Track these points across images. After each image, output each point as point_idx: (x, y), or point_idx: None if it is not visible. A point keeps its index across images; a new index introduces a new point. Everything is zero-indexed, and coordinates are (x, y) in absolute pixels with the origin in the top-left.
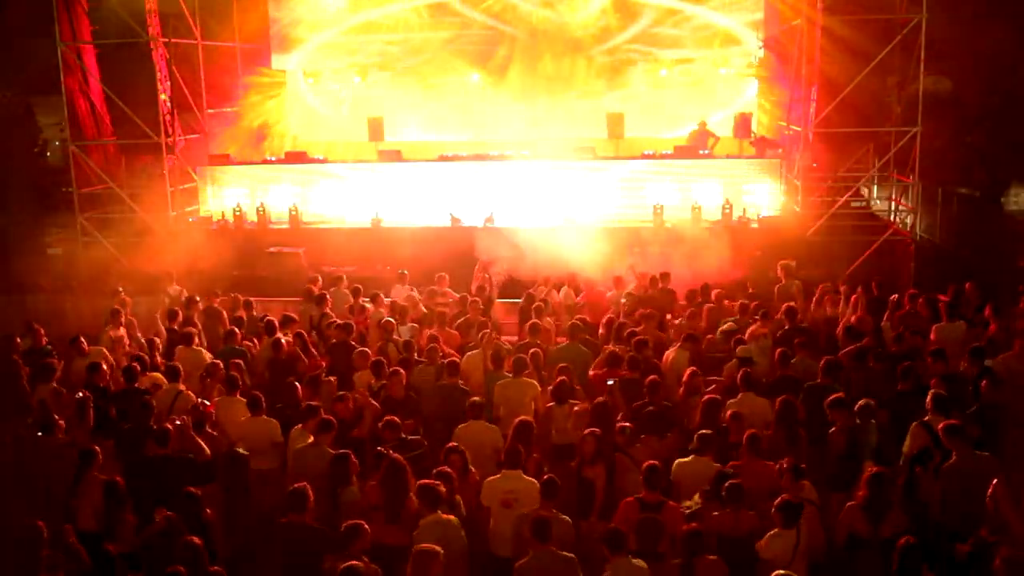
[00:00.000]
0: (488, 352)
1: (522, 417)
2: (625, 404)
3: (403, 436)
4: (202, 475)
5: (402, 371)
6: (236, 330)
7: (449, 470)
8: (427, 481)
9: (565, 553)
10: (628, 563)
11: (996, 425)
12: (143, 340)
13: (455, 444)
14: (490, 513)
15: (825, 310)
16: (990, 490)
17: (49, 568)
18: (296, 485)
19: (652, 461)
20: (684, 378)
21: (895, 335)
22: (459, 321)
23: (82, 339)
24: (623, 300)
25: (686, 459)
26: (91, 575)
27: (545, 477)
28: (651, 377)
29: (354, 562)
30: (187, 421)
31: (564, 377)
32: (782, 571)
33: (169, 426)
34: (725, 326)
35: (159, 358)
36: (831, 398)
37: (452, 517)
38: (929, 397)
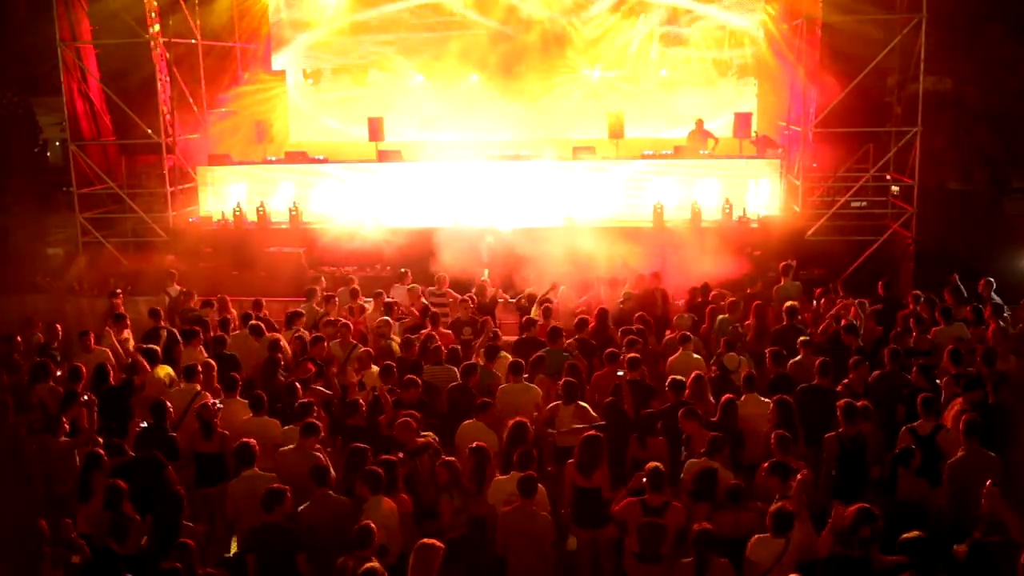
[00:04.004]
0: (480, 345)
1: (517, 418)
2: (633, 403)
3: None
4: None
5: (419, 381)
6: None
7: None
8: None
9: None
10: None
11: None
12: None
13: (450, 459)
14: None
15: (839, 312)
16: (984, 489)
17: (53, 565)
18: (274, 486)
19: (655, 463)
20: (689, 380)
21: (894, 333)
22: (453, 320)
23: (92, 335)
24: (620, 301)
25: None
26: (94, 572)
27: (523, 474)
28: (672, 376)
29: (372, 564)
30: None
31: (572, 378)
32: None
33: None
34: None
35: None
36: (845, 402)
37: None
38: (919, 400)
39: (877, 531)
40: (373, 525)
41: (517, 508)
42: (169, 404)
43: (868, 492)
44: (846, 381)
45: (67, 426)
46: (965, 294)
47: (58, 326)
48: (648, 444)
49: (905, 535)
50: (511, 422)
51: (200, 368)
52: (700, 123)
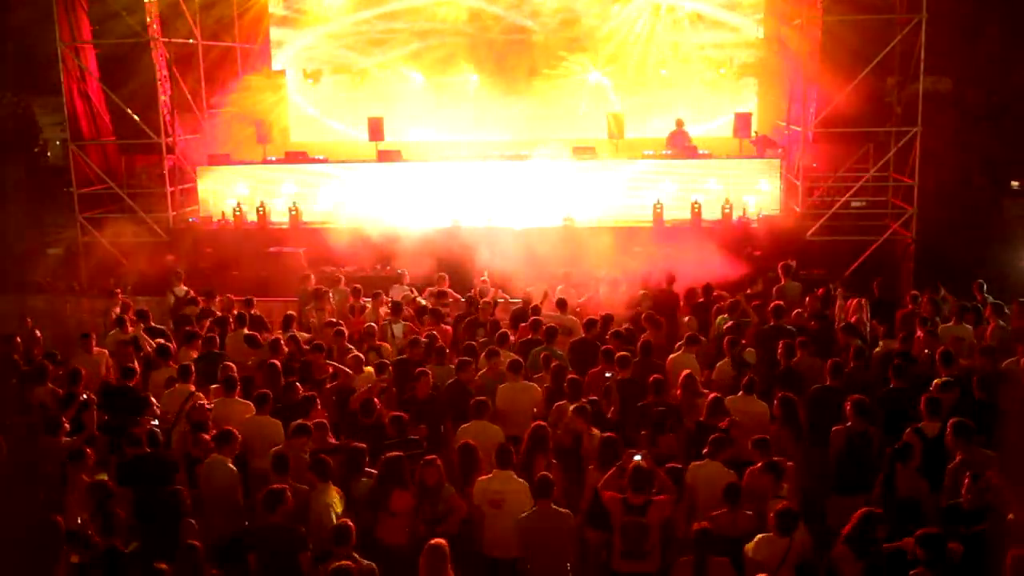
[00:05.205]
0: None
1: (538, 422)
2: (620, 403)
3: (407, 435)
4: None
5: (429, 371)
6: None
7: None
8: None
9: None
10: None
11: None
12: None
13: (431, 457)
14: (482, 514)
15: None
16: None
17: (68, 563)
18: (275, 486)
19: (638, 461)
20: (680, 379)
21: (902, 335)
22: (456, 318)
23: (94, 336)
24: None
25: (700, 462)
26: (99, 570)
27: (539, 475)
28: (655, 376)
29: (345, 562)
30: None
31: (559, 378)
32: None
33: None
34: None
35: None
36: (856, 398)
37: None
38: (923, 402)
39: (885, 531)
40: (350, 523)
41: (537, 510)
42: (156, 403)
43: (869, 489)
44: None
45: (67, 426)
46: (945, 297)
47: (38, 333)
48: (659, 442)
49: (922, 531)
50: (532, 424)
51: (194, 368)
52: (680, 123)
